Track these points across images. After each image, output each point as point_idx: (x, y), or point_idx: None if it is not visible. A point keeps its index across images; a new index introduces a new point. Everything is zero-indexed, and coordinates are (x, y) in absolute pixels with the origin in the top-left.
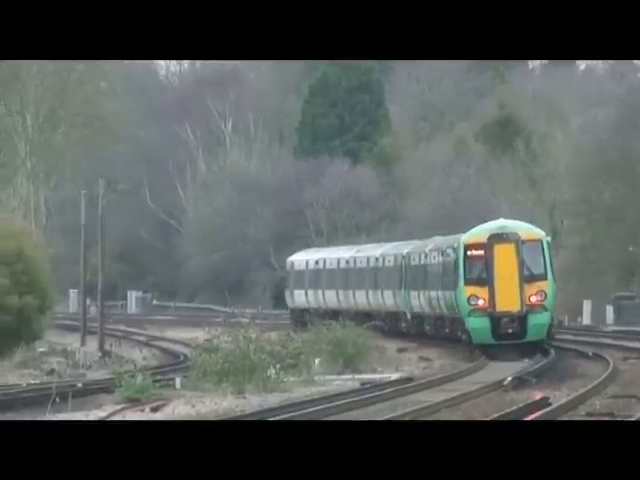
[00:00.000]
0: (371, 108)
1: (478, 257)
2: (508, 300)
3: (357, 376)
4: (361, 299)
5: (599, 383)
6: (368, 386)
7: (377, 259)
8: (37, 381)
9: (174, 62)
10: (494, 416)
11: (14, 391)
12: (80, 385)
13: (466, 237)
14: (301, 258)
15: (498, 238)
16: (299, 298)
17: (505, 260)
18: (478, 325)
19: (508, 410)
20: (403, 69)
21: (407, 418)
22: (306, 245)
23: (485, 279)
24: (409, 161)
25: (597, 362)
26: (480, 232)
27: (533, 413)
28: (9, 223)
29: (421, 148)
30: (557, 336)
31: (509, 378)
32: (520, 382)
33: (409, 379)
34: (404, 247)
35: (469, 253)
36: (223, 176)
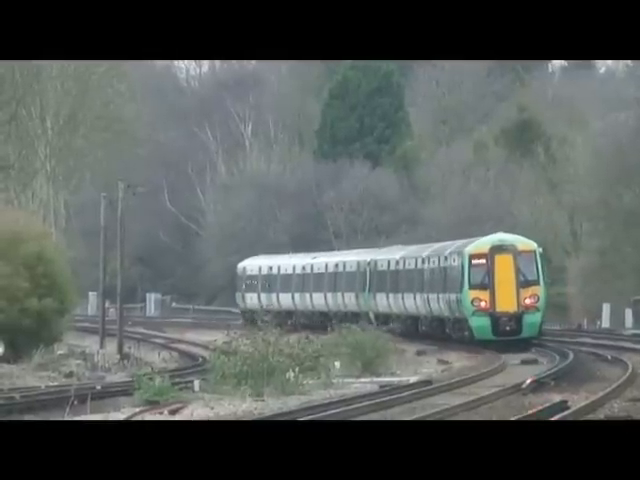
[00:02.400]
0: (391, 111)
1: (481, 265)
2: (506, 302)
3: (376, 379)
4: (318, 301)
5: (618, 386)
6: (387, 389)
7: (336, 265)
8: (56, 383)
9: (194, 65)
10: (512, 419)
11: (33, 393)
12: (99, 387)
13: (470, 248)
14: (253, 264)
15: (498, 249)
16: (251, 301)
17: (504, 268)
18: (480, 323)
19: (526, 413)
20: (423, 72)
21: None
22: (326, 248)
23: (487, 284)
24: (429, 164)
25: (616, 365)
26: (483, 244)
27: (552, 416)
28: (29, 226)
29: (441, 151)
30: (576, 339)
31: (528, 381)
32: (539, 385)
33: (428, 382)
34: (370, 254)
35: (473, 262)
36: (243, 179)
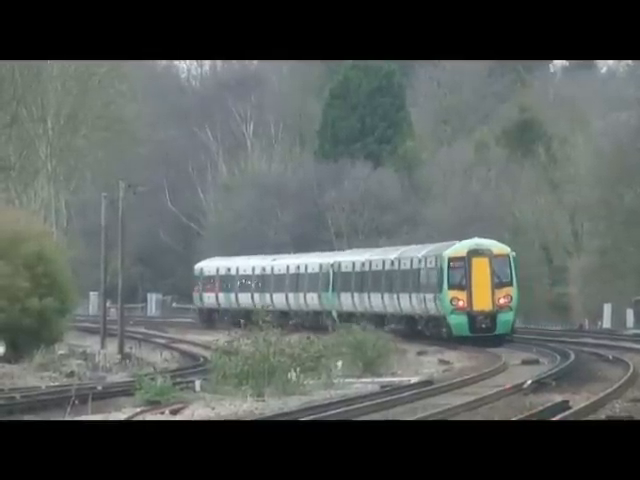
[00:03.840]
0: (392, 111)
1: (459, 267)
2: (482, 301)
3: (377, 379)
4: (279, 300)
5: (619, 387)
6: (388, 389)
7: (298, 267)
8: (57, 383)
9: (195, 65)
10: (514, 419)
11: (34, 393)
12: (100, 388)
13: (449, 251)
14: (210, 265)
15: (475, 253)
16: (208, 300)
17: (480, 270)
18: (458, 321)
19: (527, 413)
20: (424, 72)
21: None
22: (327, 248)
23: (464, 285)
24: (430, 164)
25: (617, 366)
26: (461, 248)
27: (553, 416)
28: (30, 225)
29: (442, 151)
30: (577, 339)
31: (529, 381)
32: (540, 385)
33: (429, 382)
34: (333, 257)
35: (452, 264)
36: (244, 179)
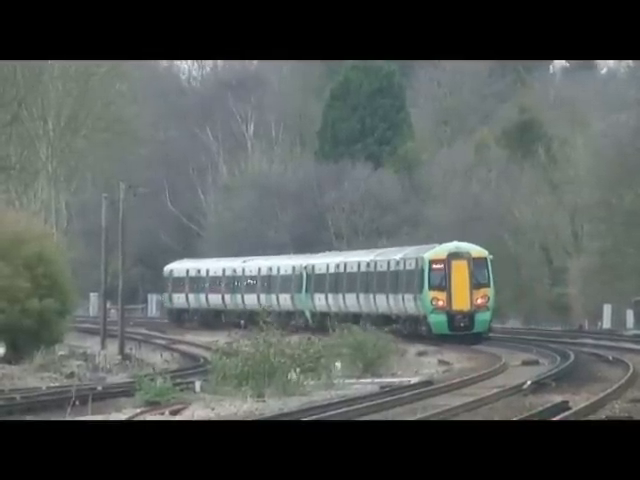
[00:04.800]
0: (392, 112)
1: (439, 269)
2: (461, 301)
3: (377, 380)
4: (251, 301)
5: (619, 387)
6: (388, 390)
7: (270, 268)
8: (57, 384)
9: (196, 65)
10: (514, 419)
11: (34, 394)
12: (100, 388)
13: (430, 254)
14: (180, 267)
15: (454, 255)
16: (178, 300)
17: (459, 272)
18: (438, 320)
19: (527, 414)
20: (424, 73)
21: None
22: (327, 248)
23: (444, 286)
24: (430, 165)
25: (617, 366)
26: (441, 250)
27: (552, 417)
28: (30, 226)
29: (442, 152)
30: (577, 340)
31: (528, 382)
32: (539, 386)
33: (428, 383)
34: (305, 259)
35: (433, 266)
36: (244, 180)
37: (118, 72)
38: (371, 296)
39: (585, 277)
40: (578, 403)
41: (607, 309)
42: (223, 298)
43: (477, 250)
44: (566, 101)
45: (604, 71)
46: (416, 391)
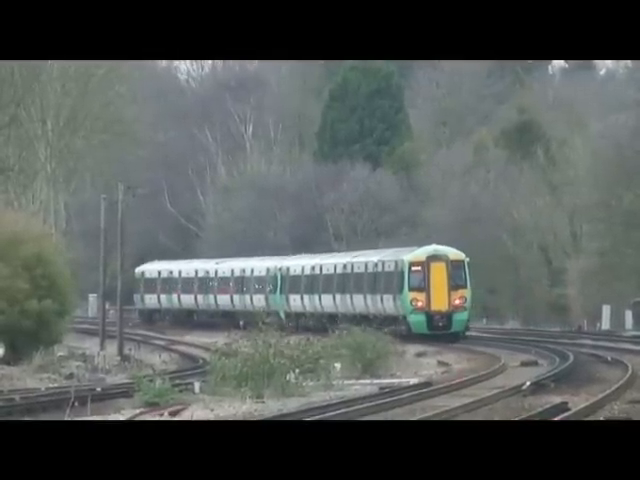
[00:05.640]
0: (391, 113)
1: (418, 271)
2: (439, 302)
3: (376, 381)
4: (224, 302)
5: (617, 388)
6: (387, 390)
7: (243, 270)
8: (56, 385)
9: (194, 66)
10: (513, 420)
11: (33, 395)
12: (99, 389)
13: (410, 257)
14: (151, 268)
15: (433, 258)
16: (150, 301)
17: (438, 274)
18: (417, 320)
19: (526, 415)
20: (423, 74)
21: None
22: (325, 249)
23: (423, 287)
24: (429, 166)
25: (616, 367)
26: (420, 253)
27: (551, 418)
28: (28, 227)
29: (441, 153)
30: (576, 341)
31: (527, 383)
32: (539, 387)
33: (428, 384)
34: (279, 261)
35: (412, 268)
36: (243, 180)
37: (117, 73)
38: (348, 297)
39: (584, 278)
40: (577, 404)
41: (606, 310)
42: (196, 298)
43: (455, 253)
44: (565, 102)
45: (603, 72)
46: (415, 392)
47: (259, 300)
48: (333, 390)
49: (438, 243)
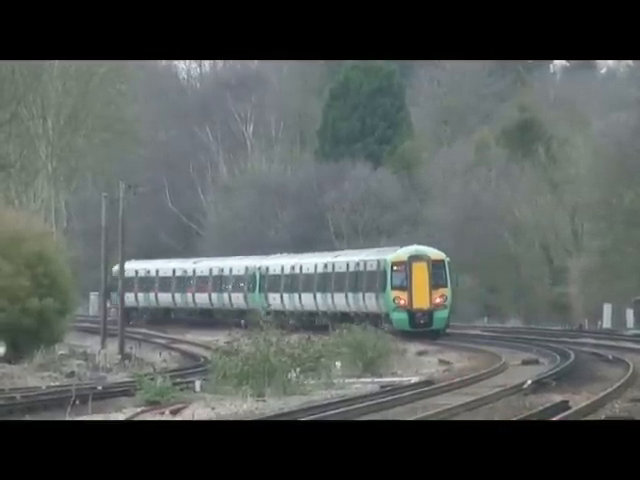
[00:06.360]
0: (392, 111)
1: (400, 271)
2: (421, 300)
3: (377, 379)
4: (201, 300)
5: (619, 387)
6: (388, 389)
7: (222, 269)
8: (57, 383)
9: (195, 65)
10: (514, 419)
11: (34, 393)
12: (100, 388)
13: (392, 257)
14: (129, 267)
15: (415, 258)
16: (127, 299)
17: (419, 273)
18: (400, 317)
19: (527, 413)
20: (424, 73)
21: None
22: (327, 248)
23: (405, 286)
24: (430, 164)
25: (617, 365)
26: (402, 253)
27: (552, 416)
28: (30, 226)
29: (442, 151)
30: (577, 339)
31: (528, 381)
32: (540, 385)
33: (429, 382)
34: (258, 261)
35: (394, 268)
36: (244, 179)
37: (118, 72)
38: (329, 295)
39: (585, 276)
40: (578, 403)
41: (607, 308)
42: (173, 297)
43: (435, 253)
44: (566, 101)
45: (604, 71)
46: (416, 390)
47: (237, 298)
48: (334, 389)
49: (440, 242)
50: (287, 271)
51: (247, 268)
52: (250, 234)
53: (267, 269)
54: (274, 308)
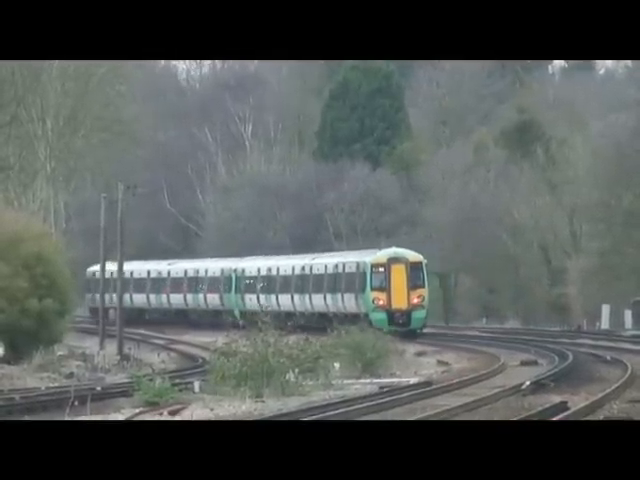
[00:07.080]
0: (391, 112)
1: (380, 272)
2: (399, 301)
3: (376, 380)
4: (176, 300)
5: (617, 387)
6: (387, 390)
7: (197, 270)
8: (56, 384)
9: (194, 65)
10: (513, 420)
11: (33, 394)
12: (99, 388)
13: (371, 259)
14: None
15: (394, 260)
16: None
17: (398, 275)
18: (379, 317)
19: (526, 414)
20: (423, 73)
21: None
22: (326, 249)
23: (384, 287)
24: (429, 165)
25: (615, 366)
26: (382, 255)
27: (551, 417)
28: (29, 226)
29: (441, 152)
30: (576, 340)
31: (527, 382)
32: (538, 386)
33: (428, 383)
34: (234, 263)
35: (374, 269)
36: (243, 180)
37: (117, 73)
38: (307, 296)
39: (584, 277)
40: (577, 403)
41: (606, 309)
42: (148, 297)
43: (413, 255)
44: (565, 102)
45: (602, 71)
46: (415, 391)
47: (213, 299)
48: (333, 389)
49: (439, 242)
50: (263, 273)
51: (223, 270)
52: (249, 235)
53: (243, 271)
54: (250, 309)
